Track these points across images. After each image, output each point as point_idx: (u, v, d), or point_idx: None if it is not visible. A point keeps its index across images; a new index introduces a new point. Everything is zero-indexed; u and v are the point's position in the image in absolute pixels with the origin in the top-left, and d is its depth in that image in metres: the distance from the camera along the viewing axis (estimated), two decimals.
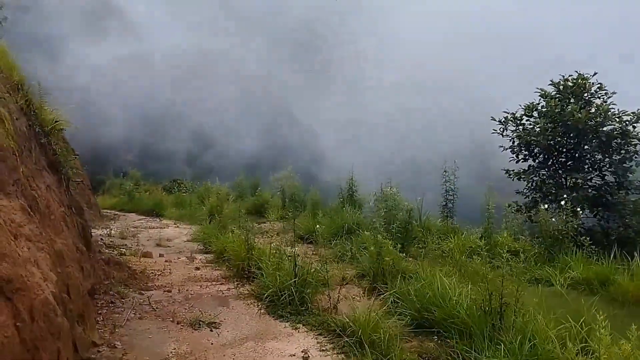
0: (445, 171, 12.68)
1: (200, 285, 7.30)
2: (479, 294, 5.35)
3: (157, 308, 5.99)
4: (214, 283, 7.45)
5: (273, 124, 70.26)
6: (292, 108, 70.29)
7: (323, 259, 8.72)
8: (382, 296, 6.27)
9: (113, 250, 9.58)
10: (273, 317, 5.79)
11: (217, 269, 8.58)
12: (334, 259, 9.12)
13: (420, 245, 9.60)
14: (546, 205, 12.58)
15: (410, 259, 8.16)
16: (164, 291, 6.84)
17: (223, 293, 6.89)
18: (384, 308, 5.81)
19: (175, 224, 16.75)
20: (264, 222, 16.06)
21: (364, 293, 6.88)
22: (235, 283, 7.44)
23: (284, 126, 69.46)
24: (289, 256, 7.89)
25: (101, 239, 11.38)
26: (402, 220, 9.15)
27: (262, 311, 6.02)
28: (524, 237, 9.58)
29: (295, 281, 6.02)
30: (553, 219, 8.69)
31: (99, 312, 5.51)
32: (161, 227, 15.57)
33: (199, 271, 8.36)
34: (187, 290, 6.96)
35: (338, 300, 5.89)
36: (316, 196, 16.13)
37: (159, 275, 7.86)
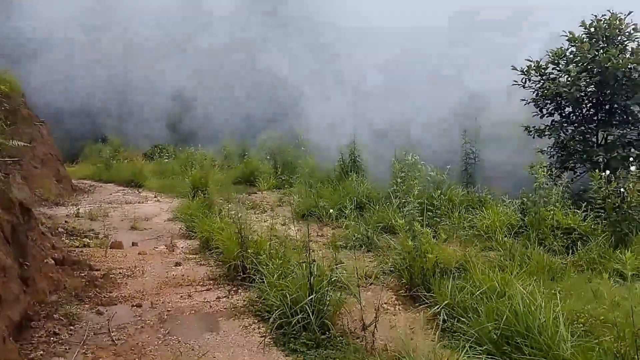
0: (464, 130, 10.97)
1: (181, 293, 5.59)
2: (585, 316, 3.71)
3: (118, 340, 4.29)
4: (198, 289, 5.74)
5: (256, 84, 67.93)
6: (274, 66, 67.89)
7: (333, 245, 7.07)
8: (429, 310, 4.62)
9: (75, 240, 7.83)
10: (283, 351, 4.09)
11: (203, 264, 6.87)
12: (346, 243, 7.44)
13: (448, 222, 7.94)
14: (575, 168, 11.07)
15: (445, 243, 6.46)
16: (132, 306, 5.14)
17: (211, 306, 5.19)
18: (438, 332, 4.15)
19: (155, 196, 14.96)
20: (255, 193, 14.35)
21: (397, 299, 5.23)
22: (227, 288, 5.74)
23: (265, 85, 67.08)
24: (294, 248, 6.22)
25: (64, 223, 9.60)
26: (428, 195, 7.43)
27: (266, 340, 4.32)
28: (572, 210, 7.89)
29: (312, 298, 4.30)
30: (622, 187, 6.99)
31: (30, 356, 3.81)
32: (139, 202, 13.79)
33: (179, 268, 6.63)
34: (162, 302, 5.26)
35: (375, 326, 4.16)
36: (312, 162, 14.39)
37: (127, 277, 6.14)
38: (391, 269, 5.93)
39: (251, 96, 59.74)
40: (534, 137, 12.99)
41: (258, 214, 11.15)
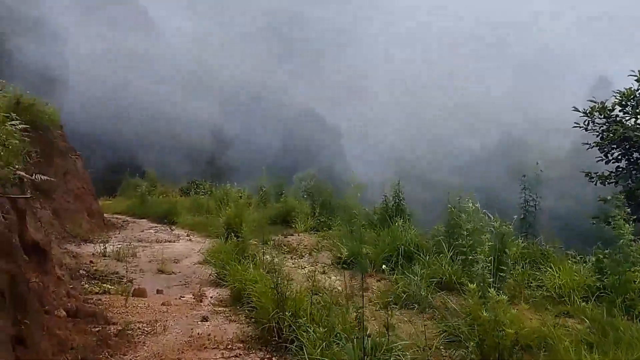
0: (523, 175, 10.00)
1: (206, 358, 4.75)
2: None
3: None
4: (225, 354, 4.89)
5: (294, 122, 68.09)
6: (315, 108, 68.03)
7: (384, 305, 6.17)
8: None
9: (95, 286, 7.12)
10: None
11: (233, 320, 6.03)
12: (395, 300, 6.51)
13: (513, 279, 6.94)
14: None
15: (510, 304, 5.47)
16: None
17: None
18: None
19: (188, 235, 14.33)
20: (292, 235, 13.54)
21: None
22: (259, 355, 4.87)
23: (305, 125, 67.14)
24: (337, 305, 5.36)
25: (89, 264, 8.96)
26: (492, 249, 6.47)
27: None
28: None
29: None
30: None
31: None
32: (171, 241, 13.15)
33: (206, 325, 5.81)
34: None
35: None
36: (353, 203, 13.54)
37: (146, 334, 5.36)
38: (454, 338, 4.98)
39: (288, 134, 59.84)
40: (595, 184, 11.96)
41: (295, 259, 10.32)
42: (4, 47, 26.17)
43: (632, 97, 10.53)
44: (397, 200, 11.76)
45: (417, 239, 8.80)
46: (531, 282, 7.08)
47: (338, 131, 62.30)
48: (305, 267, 9.35)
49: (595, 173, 11.69)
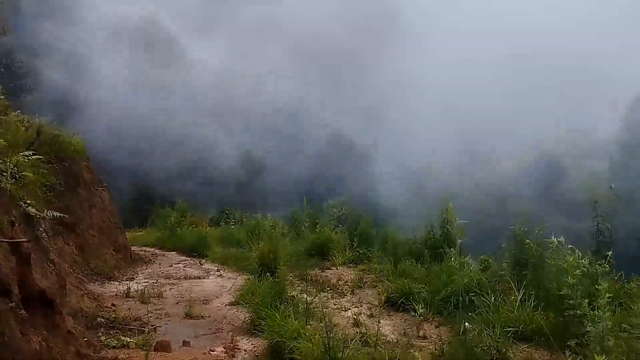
0: (595, 201, 8.84)
1: None
2: None
3: None
4: None
5: (324, 148, 67.38)
6: (345, 132, 67.25)
7: None
8: None
9: (112, 338, 6.21)
10: None
11: None
12: (466, 356, 5.41)
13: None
14: None
15: None
16: None
17: None
18: None
19: (218, 270, 13.45)
20: (329, 268, 12.53)
21: None
22: None
23: (335, 150, 66.38)
24: None
25: (109, 307, 8.10)
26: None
27: None
28: None
29: None
30: None
31: None
32: (200, 277, 12.27)
33: None
34: None
35: None
36: (396, 234, 12.49)
37: None
38: None
39: (319, 160, 59.04)
40: None
41: (336, 297, 9.29)
42: (32, 77, 26.14)
43: None
44: (446, 230, 10.65)
45: (477, 276, 7.69)
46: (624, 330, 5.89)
47: (369, 156, 61.36)
48: (349, 309, 8.31)
49: None
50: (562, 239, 5.85)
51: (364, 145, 68.58)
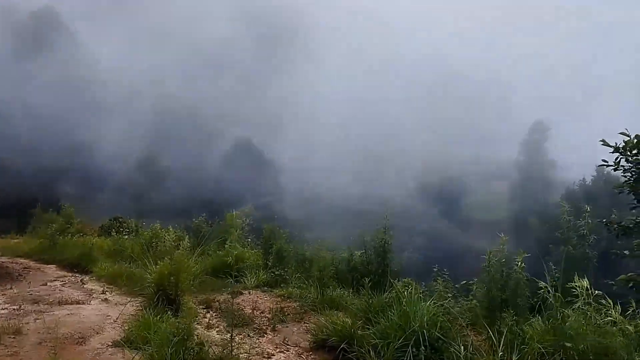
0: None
1: None
2: None
3: None
4: None
5: (230, 155, 64.99)
6: (253, 140, 65.30)
7: None
8: None
9: None
10: None
11: None
12: None
13: None
14: None
15: None
16: None
17: None
18: None
19: (104, 292, 11.04)
20: (242, 293, 10.61)
21: None
22: None
23: (242, 158, 64.16)
24: None
25: None
26: None
27: None
28: None
29: None
30: None
31: None
32: (79, 302, 9.87)
33: None
34: None
35: None
36: (324, 256, 10.84)
37: None
38: None
39: (224, 167, 56.35)
40: (618, 237, 9.88)
41: (253, 336, 7.41)
42: None
43: None
44: (384, 250, 9.15)
45: (438, 315, 6.15)
46: None
47: (276, 165, 59.72)
48: (272, 356, 6.49)
49: (617, 223, 9.60)
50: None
51: (270, 154, 67.13)
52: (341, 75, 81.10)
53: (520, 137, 57.29)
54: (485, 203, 58.31)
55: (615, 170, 9.07)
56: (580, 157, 51.14)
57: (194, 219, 17.51)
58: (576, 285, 4.90)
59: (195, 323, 7.53)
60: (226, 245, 13.27)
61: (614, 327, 4.78)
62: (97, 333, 7.48)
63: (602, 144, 8.96)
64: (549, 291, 5.75)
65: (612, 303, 4.86)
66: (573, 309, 5.30)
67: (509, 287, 5.55)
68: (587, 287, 4.93)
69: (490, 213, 54.10)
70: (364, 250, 9.76)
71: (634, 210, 9.34)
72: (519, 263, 5.52)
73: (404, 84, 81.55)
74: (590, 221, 8.06)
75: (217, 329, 7.76)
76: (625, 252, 10.13)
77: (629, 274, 9.15)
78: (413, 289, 6.69)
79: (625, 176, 9.14)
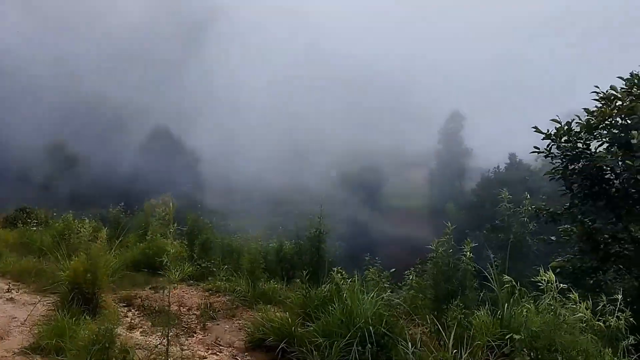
0: None
1: None
2: None
3: None
4: None
5: (147, 142, 62.48)
6: (170, 127, 63.10)
7: None
8: None
9: None
10: None
11: None
12: None
13: None
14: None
15: None
16: None
17: None
18: None
19: (9, 289, 9.97)
20: (166, 287, 9.91)
21: None
22: None
23: (159, 146, 61.85)
24: None
25: None
26: None
27: None
28: None
29: None
30: None
31: None
32: None
33: None
34: None
35: None
36: (253, 246, 10.34)
37: None
38: None
39: (140, 155, 54.07)
40: (546, 223, 10.08)
41: (181, 335, 6.85)
42: None
43: (604, 118, 8.64)
44: (318, 242, 8.80)
45: (382, 309, 5.85)
46: None
47: (196, 154, 58.07)
48: (205, 359, 5.96)
49: (547, 209, 9.78)
50: None
51: (190, 143, 65.15)
52: (263, 64, 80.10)
53: (440, 127, 58.99)
54: (406, 191, 59.68)
55: (546, 157, 9.16)
56: (495, 146, 53.38)
57: (110, 209, 16.46)
58: (542, 278, 4.71)
59: (117, 324, 6.85)
60: (147, 237, 12.45)
61: (582, 323, 4.65)
62: (1, 338, 6.63)
63: (535, 131, 9.01)
64: (510, 283, 5.59)
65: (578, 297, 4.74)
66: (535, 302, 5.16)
67: (457, 278, 5.34)
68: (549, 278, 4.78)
69: (410, 200, 55.36)
70: (295, 240, 9.38)
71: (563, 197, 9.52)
72: (467, 253, 5.30)
73: (327, 74, 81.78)
74: (530, 208, 8.06)
75: (140, 330, 7.13)
76: (552, 237, 10.39)
77: (558, 260, 9.34)
78: (355, 281, 6.36)
79: (553, 163, 9.27)
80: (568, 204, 9.35)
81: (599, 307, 4.75)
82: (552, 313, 5.23)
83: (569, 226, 10.10)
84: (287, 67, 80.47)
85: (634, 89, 8.69)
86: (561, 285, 4.45)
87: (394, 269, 9.65)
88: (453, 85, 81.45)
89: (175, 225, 14.31)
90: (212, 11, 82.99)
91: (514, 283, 4.97)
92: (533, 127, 9.02)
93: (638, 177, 8.05)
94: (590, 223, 8.44)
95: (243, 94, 77.19)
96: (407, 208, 55.67)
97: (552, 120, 8.94)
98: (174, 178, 49.38)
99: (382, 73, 79.70)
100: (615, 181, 8.42)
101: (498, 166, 49.81)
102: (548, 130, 8.88)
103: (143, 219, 15.07)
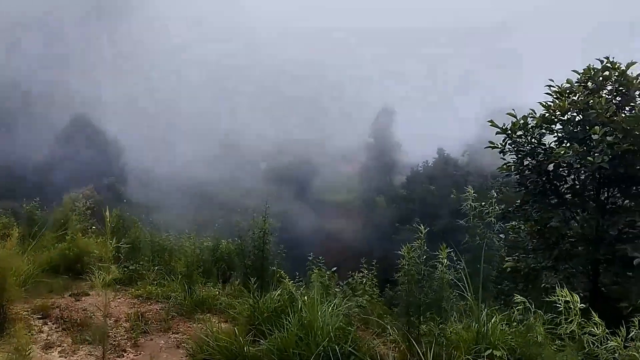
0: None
1: None
2: None
3: None
4: None
5: (65, 131, 58.80)
6: (90, 116, 59.66)
7: None
8: None
9: None
10: None
11: None
12: None
13: None
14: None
15: None
16: None
17: None
18: None
19: None
20: (88, 294, 8.83)
21: None
22: None
23: (78, 135, 58.26)
24: None
25: None
26: None
27: None
28: None
29: None
30: None
31: None
32: None
33: None
34: None
35: None
36: (187, 245, 9.42)
37: None
38: None
39: (57, 144, 50.77)
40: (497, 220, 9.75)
41: (110, 356, 5.90)
42: None
43: (563, 112, 8.32)
44: (262, 243, 8.02)
45: (343, 323, 5.18)
46: None
47: (119, 146, 55.32)
48: None
49: (502, 208, 9.44)
50: None
51: (113, 133, 61.80)
52: (192, 50, 77.56)
53: (370, 121, 59.23)
54: (337, 185, 59.60)
55: (501, 152, 8.81)
56: (424, 140, 54.18)
57: (24, 204, 14.83)
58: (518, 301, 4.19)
59: (30, 342, 5.81)
60: (67, 236, 11.16)
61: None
62: None
63: (491, 125, 8.64)
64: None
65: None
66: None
67: (433, 288, 4.74)
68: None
69: (342, 194, 55.24)
70: (236, 240, 8.57)
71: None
72: (443, 262, 4.72)
73: (261, 67, 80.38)
74: (498, 207, 7.60)
75: (59, 348, 6.10)
76: (501, 235, 10.13)
77: (509, 260, 9.07)
78: (315, 291, 5.64)
79: (504, 159, 8.95)
80: (519, 201, 9.08)
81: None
82: (525, 326, 4.80)
83: (515, 223, 9.90)
84: (217, 55, 78.33)
85: (589, 83, 8.52)
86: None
87: (335, 268, 9.04)
88: (386, 80, 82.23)
89: (94, 221, 13.08)
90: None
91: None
92: (489, 121, 8.66)
93: (597, 174, 7.86)
94: (544, 221, 8.15)
95: (169, 83, 74.46)
96: (338, 202, 55.55)
97: (508, 114, 8.62)
98: (95, 169, 46.75)
99: (314, 66, 79.25)
100: (567, 178, 8.21)
101: (427, 161, 50.64)
102: (504, 125, 8.54)
103: (62, 215, 13.63)
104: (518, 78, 79.47)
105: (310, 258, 9.07)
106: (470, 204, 6.42)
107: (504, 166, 8.79)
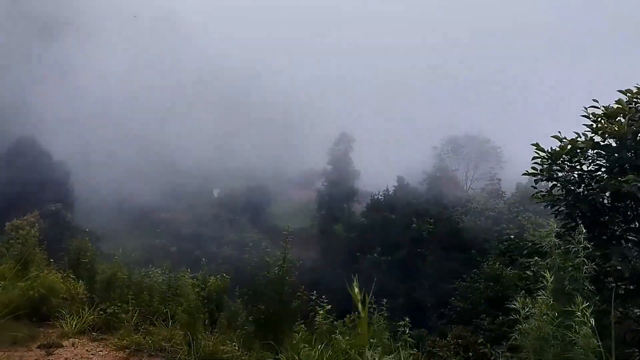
0: None
1: None
2: None
3: None
4: None
5: (8, 154, 55.39)
6: (35, 137, 56.53)
7: None
8: None
9: None
10: None
11: None
12: None
13: None
14: None
15: None
16: None
17: None
18: None
19: None
20: (61, 346, 7.37)
21: None
22: None
23: (21, 158, 54.94)
24: None
25: None
26: None
27: None
28: None
29: None
30: None
31: None
32: None
33: None
34: None
35: None
36: (190, 286, 8.17)
37: None
38: None
39: (3, 172, 47.50)
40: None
41: None
42: None
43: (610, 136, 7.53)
44: (282, 287, 6.86)
45: None
46: None
47: (67, 169, 52.47)
48: None
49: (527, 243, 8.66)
50: None
51: (60, 156, 58.47)
52: (132, 71, 75.24)
53: (328, 147, 58.48)
54: (294, 212, 58.38)
55: (546, 180, 7.97)
56: (383, 168, 53.87)
57: None
58: None
59: None
60: (29, 272, 9.62)
61: None
62: None
63: (536, 149, 7.79)
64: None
65: None
66: None
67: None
68: None
69: (298, 222, 53.99)
70: (251, 279, 7.40)
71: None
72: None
73: (209, 90, 78.78)
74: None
75: None
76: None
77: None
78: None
79: (535, 187, 8.17)
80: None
81: None
82: None
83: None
84: (160, 76, 76.23)
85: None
86: None
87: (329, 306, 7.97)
88: (345, 105, 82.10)
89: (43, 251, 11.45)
90: (74, 9, 76.90)
91: None
92: (533, 144, 7.80)
93: None
94: (600, 260, 7.29)
95: (113, 105, 71.81)
96: (294, 229, 54.15)
97: (553, 137, 7.77)
98: (40, 194, 44.01)
99: (270, 90, 78.32)
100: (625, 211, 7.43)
101: (387, 189, 50.21)
102: (551, 148, 7.69)
103: (13, 246, 11.99)
104: (476, 106, 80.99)
105: (313, 297, 7.99)
106: (553, 241, 5.43)
107: (538, 194, 7.99)
